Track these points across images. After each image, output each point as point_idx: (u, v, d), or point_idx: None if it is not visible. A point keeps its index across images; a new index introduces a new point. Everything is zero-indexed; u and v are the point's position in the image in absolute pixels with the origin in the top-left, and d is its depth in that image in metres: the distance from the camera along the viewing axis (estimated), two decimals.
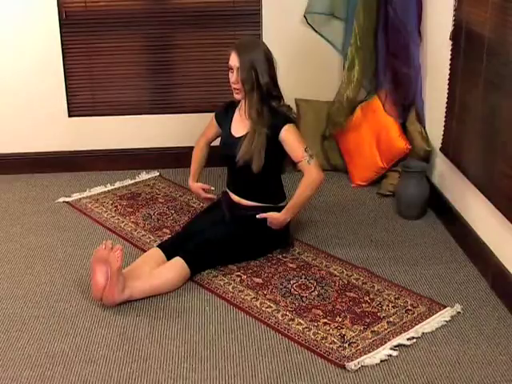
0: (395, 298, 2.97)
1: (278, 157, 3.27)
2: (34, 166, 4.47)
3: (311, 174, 3.21)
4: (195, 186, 3.53)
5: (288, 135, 3.21)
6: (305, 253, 3.39)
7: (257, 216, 3.25)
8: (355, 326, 2.78)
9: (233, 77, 3.22)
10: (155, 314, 2.90)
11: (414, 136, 3.92)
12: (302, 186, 3.23)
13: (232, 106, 3.40)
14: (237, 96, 3.27)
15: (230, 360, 2.59)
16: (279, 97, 3.30)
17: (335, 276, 3.16)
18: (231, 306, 2.95)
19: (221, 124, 3.46)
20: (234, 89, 3.24)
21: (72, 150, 4.51)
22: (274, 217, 3.25)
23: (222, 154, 3.41)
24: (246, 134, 3.23)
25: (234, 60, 3.19)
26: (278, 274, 3.19)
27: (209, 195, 3.52)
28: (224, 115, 3.44)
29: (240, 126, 3.31)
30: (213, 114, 3.53)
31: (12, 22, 4.24)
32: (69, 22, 4.28)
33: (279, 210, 3.33)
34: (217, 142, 3.51)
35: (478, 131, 3.17)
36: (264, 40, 4.35)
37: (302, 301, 2.96)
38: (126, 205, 3.97)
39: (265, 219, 3.26)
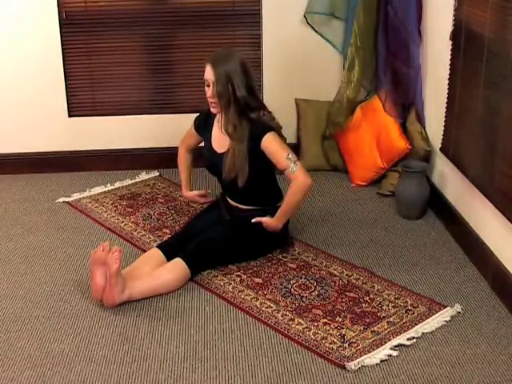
0: (395, 298, 2.97)
1: (265, 164, 3.19)
2: (34, 166, 4.47)
3: (297, 180, 3.14)
4: (190, 194, 3.56)
5: (269, 145, 3.13)
6: (305, 253, 3.39)
7: (252, 220, 3.24)
8: (355, 325, 2.78)
9: (209, 91, 3.14)
10: (155, 314, 2.90)
11: (414, 136, 3.92)
12: (289, 193, 3.18)
13: (210, 115, 3.31)
14: (213, 110, 3.20)
15: (230, 360, 2.59)
16: (259, 107, 3.19)
17: (335, 276, 3.16)
18: (231, 305, 2.95)
19: (201, 134, 3.42)
20: (211, 103, 3.17)
21: (72, 149, 4.51)
22: (268, 222, 3.24)
23: (208, 168, 3.40)
24: (228, 150, 3.18)
25: (209, 74, 3.12)
26: (277, 274, 3.19)
27: (208, 199, 3.53)
28: (203, 126, 3.38)
29: (221, 140, 3.24)
30: (192, 123, 3.47)
31: (12, 22, 4.24)
32: (69, 22, 4.29)
33: (277, 210, 3.32)
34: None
35: (477, 131, 3.17)
36: (264, 40, 4.36)
37: (302, 301, 2.96)
38: (125, 205, 3.97)
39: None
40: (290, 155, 3.14)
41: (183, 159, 3.60)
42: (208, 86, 3.15)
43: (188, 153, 3.59)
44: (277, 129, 3.22)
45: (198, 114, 3.48)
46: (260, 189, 3.30)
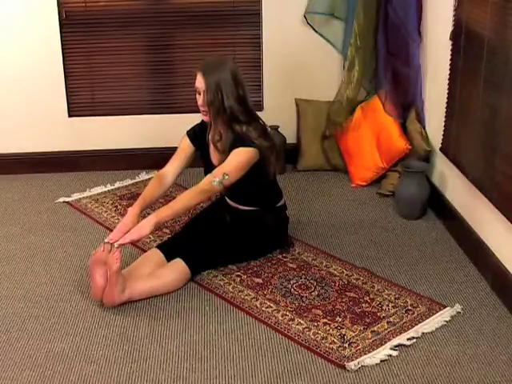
0: (395, 298, 2.97)
1: (256, 169, 3.14)
2: (34, 166, 4.48)
3: (207, 186, 3.06)
4: (131, 217, 3.05)
5: (232, 153, 3.07)
6: (305, 253, 3.39)
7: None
8: (355, 326, 2.78)
9: (200, 99, 3.13)
10: (155, 314, 2.90)
11: (414, 136, 3.92)
12: (190, 190, 3.10)
13: (204, 127, 3.28)
14: (205, 118, 3.18)
15: (230, 360, 2.59)
16: (248, 120, 3.12)
17: (335, 276, 3.16)
18: (231, 305, 2.95)
19: (197, 146, 3.34)
20: (202, 111, 3.16)
21: (72, 149, 4.51)
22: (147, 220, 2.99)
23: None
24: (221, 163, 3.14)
25: (199, 82, 3.11)
26: (277, 274, 3.19)
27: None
28: (198, 138, 3.33)
29: (217, 153, 3.21)
30: (183, 138, 3.36)
31: (12, 22, 4.24)
32: (69, 22, 4.29)
33: (277, 210, 3.32)
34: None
35: (477, 131, 3.17)
36: (264, 40, 4.36)
37: (302, 301, 2.96)
38: (125, 205, 3.97)
39: (263, 219, 3.26)
40: (228, 176, 3.04)
41: (156, 188, 3.25)
42: (199, 94, 3.14)
43: (164, 184, 3.28)
44: (261, 147, 3.11)
45: (190, 128, 3.40)
46: (259, 190, 3.29)
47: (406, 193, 3.73)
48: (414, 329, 2.75)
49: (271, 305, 2.94)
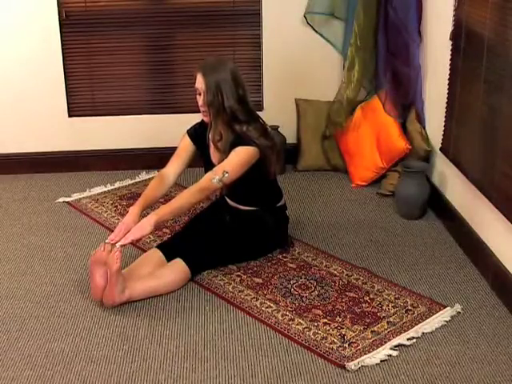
0: (395, 298, 2.97)
1: (256, 169, 3.15)
2: (34, 165, 4.48)
3: (206, 182, 3.07)
4: (132, 218, 3.03)
5: (233, 152, 3.08)
6: (305, 253, 3.39)
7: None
8: (355, 326, 2.78)
9: (200, 100, 3.13)
10: (155, 314, 2.90)
11: (414, 136, 3.93)
12: (189, 189, 3.10)
13: (204, 126, 3.27)
14: (205, 118, 3.18)
15: (230, 360, 2.59)
16: (248, 120, 3.12)
17: (335, 276, 3.16)
18: (231, 305, 2.95)
19: (197, 145, 3.33)
20: (202, 111, 3.16)
21: (72, 149, 4.51)
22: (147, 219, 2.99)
23: None
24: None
25: (199, 82, 3.10)
26: (278, 274, 3.19)
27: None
28: (199, 137, 3.31)
29: (217, 153, 3.21)
30: (183, 137, 3.36)
31: (12, 22, 4.24)
32: (69, 22, 4.29)
33: (277, 210, 3.32)
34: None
35: (477, 131, 3.18)
36: (264, 40, 4.36)
37: (302, 301, 2.96)
38: (125, 205, 3.97)
39: (263, 219, 3.26)
40: (228, 174, 3.04)
41: (157, 187, 3.24)
42: (199, 94, 3.14)
43: (165, 184, 3.27)
44: (262, 147, 3.11)
45: (190, 127, 3.39)
46: (259, 190, 3.29)
47: (406, 193, 3.73)
48: (414, 329, 2.75)
49: (271, 305, 2.94)
